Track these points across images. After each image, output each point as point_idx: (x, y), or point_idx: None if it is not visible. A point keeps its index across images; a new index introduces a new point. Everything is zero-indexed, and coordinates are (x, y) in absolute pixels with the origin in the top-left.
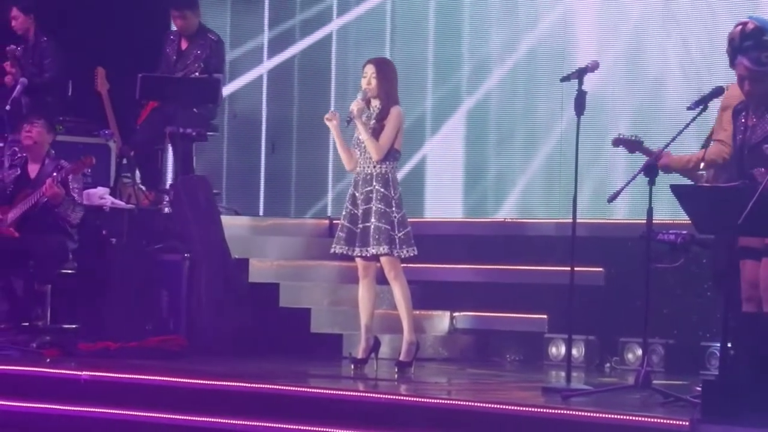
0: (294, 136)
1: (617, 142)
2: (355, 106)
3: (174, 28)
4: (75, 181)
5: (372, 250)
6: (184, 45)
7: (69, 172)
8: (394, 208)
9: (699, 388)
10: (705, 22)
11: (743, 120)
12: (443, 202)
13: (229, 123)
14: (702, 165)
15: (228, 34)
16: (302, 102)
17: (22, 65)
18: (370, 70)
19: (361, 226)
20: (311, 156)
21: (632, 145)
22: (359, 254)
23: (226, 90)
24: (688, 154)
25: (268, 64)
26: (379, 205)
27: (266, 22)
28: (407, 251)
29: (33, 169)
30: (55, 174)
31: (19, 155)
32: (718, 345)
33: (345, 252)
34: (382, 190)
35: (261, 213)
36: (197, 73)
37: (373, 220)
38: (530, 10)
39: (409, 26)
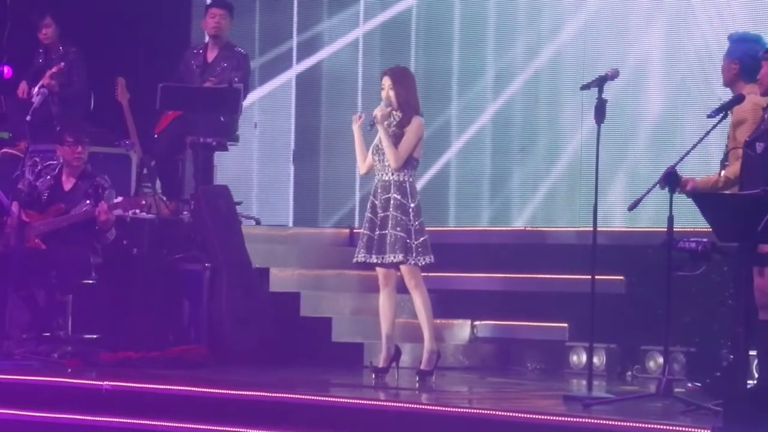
0: (315, 145)
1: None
2: (379, 112)
3: (200, 43)
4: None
5: (389, 258)
6: (210, 56)
7: (116, 207)
8: (411, 217)
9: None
10: (726, 30)
11: None
12: (464, 211)
13: (251, 133)
14: (724, 182)
15: (256, 40)
16: (324, 111)
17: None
18: (387, 81)
19: (378, 233)
20: (332, 165)
21: (673, 179)
22: (376, 261)
23: (250, 98)
24: (711, 176)
25: (291, 72)
26: (396, 213)
27: (295, 27)
28: (423, 259)
29: (68, 182)
30: (111, 206)
31: (43, 165)
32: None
33: (365, 260)
34: (399, 198)
35: (282, 222)
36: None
37: (390, 228)
38: (551, 19)
39: (432, 35)
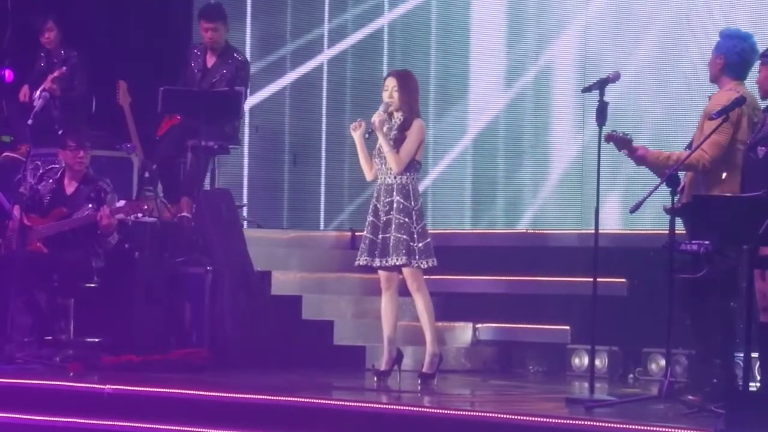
0: (316, 149)
1: (610, 138)
2: (377, 118)
3: (201, 41)
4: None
5: (392, 261)
6: (210, 62)
7: (119, 212)
8: (414, 219)
9: (692, 398)
10: None
11: None
12: (466, 213)
13: (252, 136)
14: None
15: (249, 46)
16: (324, 115)
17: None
18: (391, 83)
19: (381, 236)
20: (332, 169)
21: (622, 142)
22: (379, 265)
23: (248, 103)
24: (665, 152)
25: (290, 76)
26: (399, 216)
27: (288, 34)
28: (426, 262)
29: (70, 186)
30: (114, 211)
31: (45, 168)
32: (741, 355)
33: (368, 263)
34: (402, 201)
35: (283, 225)
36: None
37: (392, 230)
38: (553, 21)
39: (438, 35)
